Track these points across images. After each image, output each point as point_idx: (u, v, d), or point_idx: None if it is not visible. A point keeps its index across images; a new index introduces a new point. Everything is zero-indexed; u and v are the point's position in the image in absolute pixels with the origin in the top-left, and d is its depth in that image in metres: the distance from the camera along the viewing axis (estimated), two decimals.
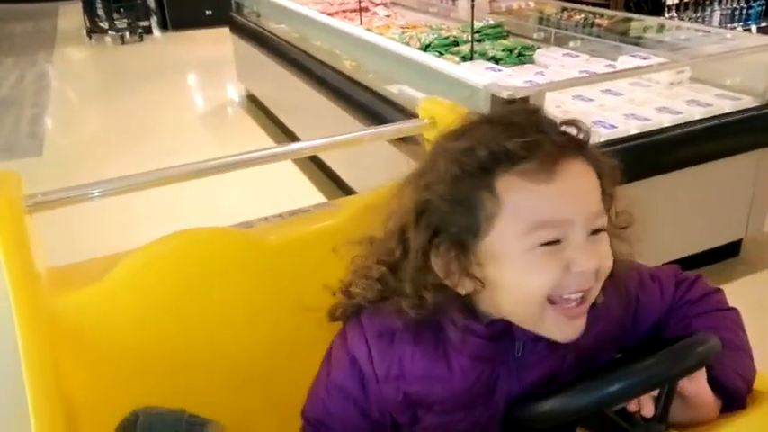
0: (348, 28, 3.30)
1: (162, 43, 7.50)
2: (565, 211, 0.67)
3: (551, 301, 0.69)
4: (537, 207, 0.67)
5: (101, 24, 7.60)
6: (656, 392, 0.68)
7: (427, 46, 3.54)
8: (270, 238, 0.95)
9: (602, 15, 3.72)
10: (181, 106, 5.33)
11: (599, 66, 2.93)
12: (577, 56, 3.13)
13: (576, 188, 0.68)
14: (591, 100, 2.57)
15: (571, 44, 3.40)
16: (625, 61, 2.87)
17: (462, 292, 0.72)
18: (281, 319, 0.92)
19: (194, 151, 3.71)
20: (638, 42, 3.23)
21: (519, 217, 0.67)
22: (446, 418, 0.77)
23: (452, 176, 0.69)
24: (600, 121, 2.30)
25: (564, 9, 4.06)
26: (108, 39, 7.56)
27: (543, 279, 0.68)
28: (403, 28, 4.08)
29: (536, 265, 0.67)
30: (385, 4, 4.88)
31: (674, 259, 2.38)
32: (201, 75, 6.34)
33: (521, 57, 3.31)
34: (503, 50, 3.34)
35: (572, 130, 0.73)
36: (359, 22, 4.26)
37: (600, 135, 2.21)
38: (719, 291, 0.87)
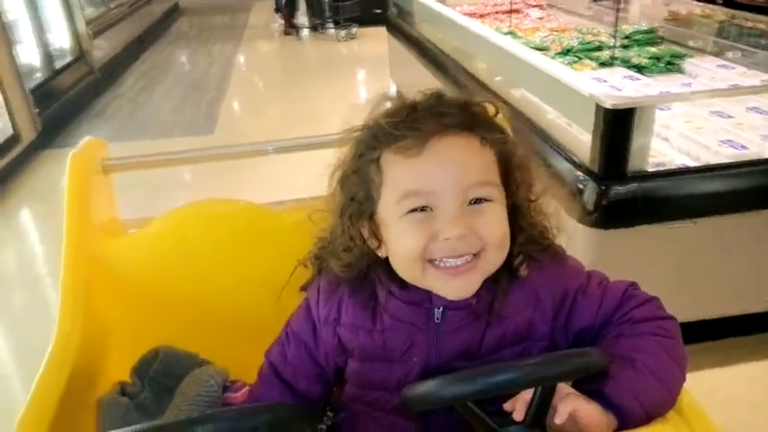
0: (481, 29, 3.30)
1: (334, 39, 8.01)
2: (430, 182, 0.74)
3: (432, 263, 0.75)
4: (406, 178, 0.75)
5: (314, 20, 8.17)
6: (529, 396, 0.68)
7: (568, 50, 3.42)
8: (282, 216, 1.06)
9: None
10: (340, 98, 5.68)
11: (754, 80, 2.63)
12: (733, 68, 2.84)
13: (445, 161, 0.74)
14: (730, 117, 2.33)
15: (730, 55, 3.08)
16: None
17: (381, 255, 0.81)
18: (284, 284, 1.02)
19: None
20: None
21: (394, 187, 0.76)
22: (365, 366, 0.84)
23: (353, 154, 0.81)
24: (729, 141, 2.09)
25: (739, 18, 3.68)
26: (301, 34, 8.23)
27: (413, 242, 0.74)
28: (552, 31, 3.98)
29: (407, 229, 0.75)
30: (540, 6, 4.77)
31: None
32: (365, 70, 6.69)
33: (668, 65, 3.07)
34: (649, 58, 3.12)
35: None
36: (507, 24, 4.23)
37: (723, 155, 2.01)
38: (670, 318, 0.80)
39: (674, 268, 2.04)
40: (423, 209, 0.74)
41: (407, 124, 0.75)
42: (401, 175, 0.76)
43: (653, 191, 1.94)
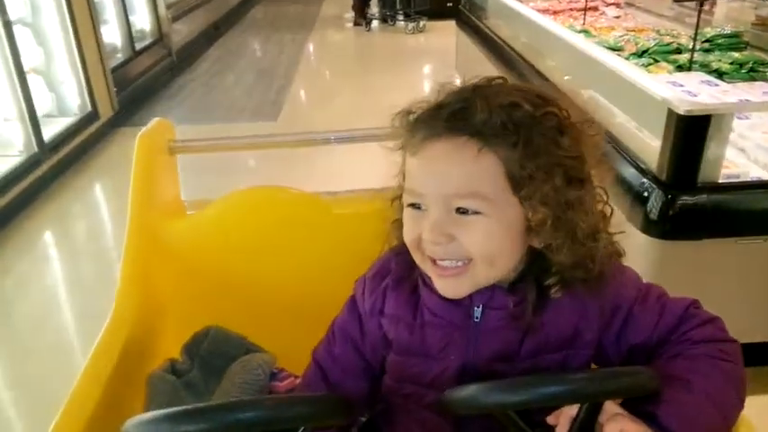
0: (551, 25, 3.22)
1: (403, 31, 7.99)
2: (418, 184, 0.76)
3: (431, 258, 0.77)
4: (408, 174, 0.78)
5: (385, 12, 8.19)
6: (574, 412, 0.65)
7: (644, 51, 3.29)
8: (331, 207, 1.08)
9: None
10: (405, 90, 5.68)
11: None
12: None
13: (431, 167, 0.74)
14: None
15: None
16: None
17: None
18: (333, 275, 1.03)
19: None
20: None
21: (406, 178, 0.79)
22: (403, 360, 0.85)
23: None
24: None
25: None
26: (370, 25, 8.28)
27: (409, 233, 0.78)
28: (629, 30, 3.83)
29: (406, 220, 0.79)
30: (618, 5, 4.61)
31: None
32: (432, 63, 6.66)
33: (752, 72, 2.91)
34: (730, 63, 2.97)
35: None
36: (582, 22, 4.11)
37: None
38: (731, 341, 0.76)
39: (739, 286, 1.94)
40: (417, 206, 0.77)
41: (418, 122, 0.77)
42: (407, 170, 0.79)
43: (724, 203, 1.85)
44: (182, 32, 6.64)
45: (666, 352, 0.77)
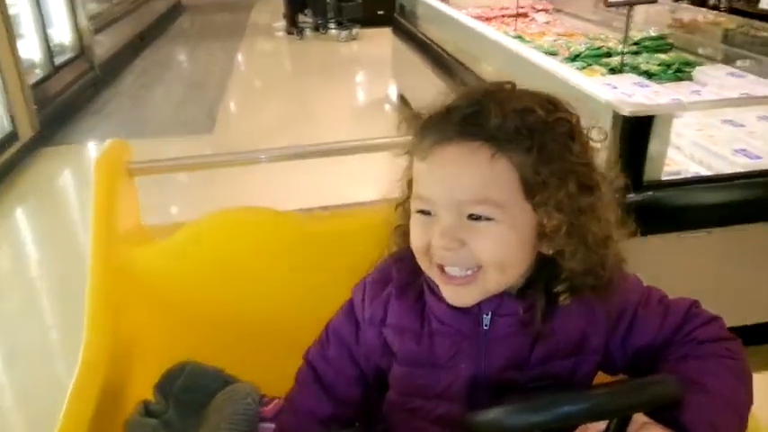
0: (487, 32, 3.28)
1: (336, 39, 7.97)
2: (429, 190, 0.74)
3: (438, 265, 0.76)
4: (417, 179, 0.77)
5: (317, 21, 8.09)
6: (603, 426, 0.65)
7: (577, 56, 3.41)
8: (306, 226, 1.04)
9: None
10: (342, 99, 5.66)
11: (764, 89, 2.63)
12: (743, 76, 2.84)
13: (442, 172, 0.73)
14: (742, 125, 2.33)
15: (740, 63, 3.08)
16: None
17: None
18: (316, 297, 1.00)
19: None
20: None
21: (414, 183, 0.78)
22: (410, 371, 0.82)
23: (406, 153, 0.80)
24: (744, 150, 2.08)
25: (747, 26, 3.68)
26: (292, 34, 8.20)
27: (417, 240, 0.77)
28: (559, 36, 3.97)
29: (414, 226, 0.77)
30: (547, 11, 4.77)
31: None
32: (366, 71, 6.67)
33: (678, 73, 3.07)
34: (658, 65, 3.12)
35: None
36: (513, 28, 4.22)
37: (738, 165, 2.00)
38: (734, 339, 0.78)
39: (684, 280, 2.02)
40: (426, 212, 0.75)
41: (428, 126, 0.75)
42: (416, 175, 0.77)
43: (668, 200, 1.92)
44: (105, 45, 6.36)
45: (673, 353, 0.78)
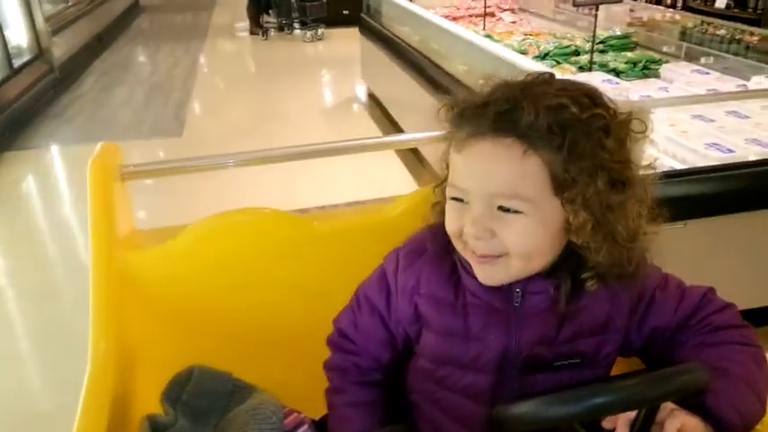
0: (461, 32, 3.31)
1: (301, 39, 7.91)
2: (464, 180, 0.77)
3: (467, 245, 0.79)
4: (453, 168, 0.79)
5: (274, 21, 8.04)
6: (632, 416, 0.67)
7: (546, 54, 3.47)
8: (309, 225, 1.03)
9: (745, 32, 3.43)
10: (310, 99, 5.62)
11: (729, 85, 2.72)
12: (708, 73, 2.93)
13: (475, 165, 0.75)
14: (712, 120, 2.40)
15: (703, 60, 3.18)
16: (760, 82, 2.65)
17: None
18: (320, 297, 0.99)
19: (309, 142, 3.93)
20: None
21: (450, 171, 0.80)
22: (442, 340, 0.84)
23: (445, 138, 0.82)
24: (716, 144, 2.15)
25: (705, 23, 3.81)
26: (256, 34, 8.10)
27: (451, 224, 0.80)
28: (526, 35, 4.03)
29: (449, 211, 0.80)
30: (513, 10, 4.83)
31: None
32: (334, 71, 6.65)
33: (645, 70, 3.15)
34: (625, 63, 3.19)
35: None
36: (482, 27, 4.27)
37: (711, 158, 2.07)
38: (748, 326, 0.81)
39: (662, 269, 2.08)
40: (460, 200, 0.78)
41: (464, 118, 0.77)
42: (452, 164, 0.80)
43: None
44: (63, 46, 6.17)
45: (689, 340, 0.80)
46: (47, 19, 5.81)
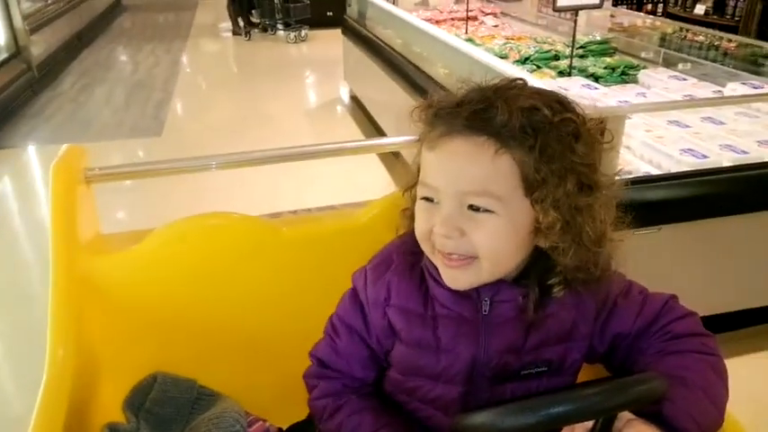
0: (443, 35, 3.32)
1: (284, 40, 7.87)
2: (435, 178, 0.76)
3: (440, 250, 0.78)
4: (424, 167, 0.79)
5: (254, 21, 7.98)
6: (590, 425, 0.67)
7: (526, 59, 3.49)
8: (278, 230, 1.01)
9: (723, 39, 3.48)
10: (293, 101, 5.60)
11: (705, 91, 2.76)
12: (685, 79, 2.96)
13: (447, 163, 0.75)
14: (688, 126, 2.43)
15: (681, 66, 3.21)
16: (735, 89, 2.68)
17: None
18: (289, 303, 0.98)
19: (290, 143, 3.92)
20: (757, 71, 3.00)
21: (421, 171, 0.80)
22: (412, 352, 0.84)
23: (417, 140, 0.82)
24: (690, 150, 2.17)
25: (684, 30, 3.85)
26: (231, 34, 8.05)
27: (420, 225, 0.79)
28: (507, 39, 4.05)
29: (418, 212, 0.80)
30: (495, 15, 4.85)
31: (755, 307, 2.22)
32: (317, 72, 6.62)
33: (623, 76, 3.18)
34: (604, 68, 3.22)
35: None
36: (464, 31, 4.28)
37: (685, 164, 2.09)
38: (710, 336, 0.81)
39: (634, 273, 2.09)
40: (430, 199, 0.78)
41: (438, 117, 0.77)
42: (423, 163, 0.79)
43: (623, 199, 1.98)
44: (41, 45, 6.09)
45: (651, 347, 0.80)
46: (25, 17, 5.72)
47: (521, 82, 0.78)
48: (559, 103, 0.76)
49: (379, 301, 0.85)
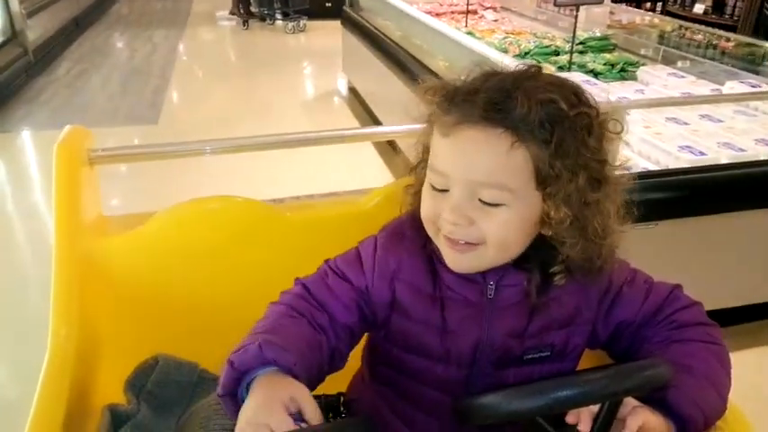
0: (443, 28, 3.31)
1: (283, 30, 7.83)
2: (447, 166, 0.76)
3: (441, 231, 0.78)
4: (435, 153, 0.79)
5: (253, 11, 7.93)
6: (595, 410, 0.67)
7: (526, 53, 3.49)
8: (280, 214, 1.01)
9: (721, 38, 3.49)
10: (291, 91, 5.58)
11: (704, 89, 2.76)
12: (683, 77, 2.97)
13: (460, 152, 0.75)
14: (686, 123, 2.44)
15: (680, 64, 3.22)
16: (733, 87, 2.69)
17: None
18: (287, 287, 0.97)
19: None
20: (756, 69, 3.01)
21: (430, 156, 0.80)
22: (417, 328, 0.83)
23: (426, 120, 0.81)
24: (688, 147, 2.18)
25: (683, 28, 3.86)
26: (232, 23, 8.01)
27: (427, 209, 0.79)
28: (508, 33, 4.04)
29: (426, 197, 0.80)
30: (494, 9, 4.84)
31: (750, 304, 2.24)
32: (315, 63, 6.60)
33: (622, 72, 3.18)
34: (604, 64, 3.22)
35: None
36: (464, 24, 4.27)
37: (683, 161, 2.10)
38: (714, 325, 0.82)
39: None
40: (439, 188, 0.77)
41: (453, 103, 0.76)
42: (434, 150, 0.79)
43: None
44: (37, 29, 6.03)
45: (656, 335, 0.81)
46: (21, 1, 5.67)
47: (534, 70, 0.78)
48: (576, 96, 0.75)
49: (388, 272, 0.83)
